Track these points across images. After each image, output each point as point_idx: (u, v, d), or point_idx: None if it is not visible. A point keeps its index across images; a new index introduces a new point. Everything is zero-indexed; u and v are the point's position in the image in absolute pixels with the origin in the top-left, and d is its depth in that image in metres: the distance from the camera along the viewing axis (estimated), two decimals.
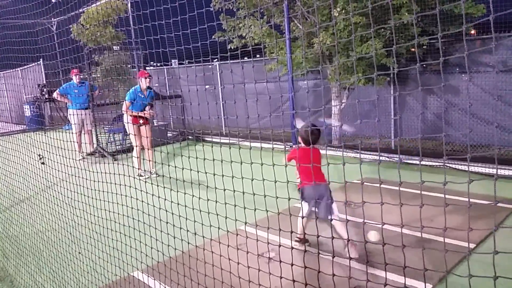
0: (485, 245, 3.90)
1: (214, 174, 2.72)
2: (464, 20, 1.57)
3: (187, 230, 2.93)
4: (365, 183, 4.31)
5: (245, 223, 2.47)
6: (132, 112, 7.03)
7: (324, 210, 3.73)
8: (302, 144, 3.99)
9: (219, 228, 2.68)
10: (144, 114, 7.13)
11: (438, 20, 1.34)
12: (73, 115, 9.25)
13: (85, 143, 9.50)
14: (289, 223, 2.31)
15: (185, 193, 2.99)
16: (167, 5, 3.23)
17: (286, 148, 8.70)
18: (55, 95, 9.55)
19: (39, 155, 4.84)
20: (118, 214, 3.52)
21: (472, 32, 7.74)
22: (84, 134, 9.57)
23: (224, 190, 2.58)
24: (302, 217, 3.77)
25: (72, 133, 9.02)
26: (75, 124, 9.23)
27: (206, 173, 2.75)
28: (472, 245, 3.88)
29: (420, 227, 1.73)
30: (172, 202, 3.07)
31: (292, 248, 2.23)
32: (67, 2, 4.59)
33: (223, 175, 2.65)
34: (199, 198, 2.86)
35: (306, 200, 3.82)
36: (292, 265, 2.13)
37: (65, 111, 12.31)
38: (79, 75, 9.26)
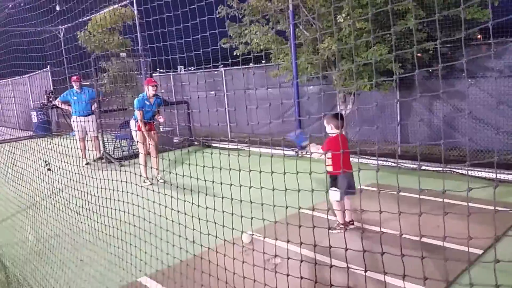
0: (492, 252, 3.86)
1: (214, 182, 2.72)
2: (469, 25, 1.57)
3: (191, 240, 2.94)
4: (369, 189, 4.29)
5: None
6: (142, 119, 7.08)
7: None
8: (334, 131, 4.27)
9: (219, 236, 2.68)
10: (158, 119, 7.23)
11: (438, 27, 1.34)
12: (74, 122, 9.30)
13: (91, 150, 9.45)
14: (293, 230, 2.31)
15: (188, 201, 3.00)
16: (173, 12, 3.25)
17: (290, 154, 8.69)
18: (56, 102, 9.62)
19: (45, 161, 4.88)
20: (123, 222, 3.53)
21: (479, 37, 7.71)
22: (89, 140, 9.54)
23: (226, 197, 2.59)
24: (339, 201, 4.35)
25: (76, 139, 9.08)
26: (77, 131, 9.27)
27: (206, 181, 2.76)
28: (479, 251, 3.84)
29: (424, 234, 1.72)
30: (174, 209, 3.08)
31: (295, 257, 2.23)
32: (74, 9, 4.64)
33: (227, 183, 2.66)
34: (202, 206, 2.86)
35: (338, 187, 4.25)
36: (287, 276, 2.13)
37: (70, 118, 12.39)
38: (79, 82, 9.28)
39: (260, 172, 2.43)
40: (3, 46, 5.95)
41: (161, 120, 7.34)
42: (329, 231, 4.24)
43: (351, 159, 7.42)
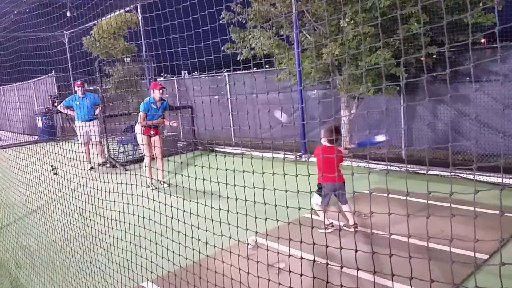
0: (498, 256, 3.84)
1: (221, 183, 2.73)
2: (474, 29, 1.58)
3: (199, 240, 2.94)
4: (374, 193, 4.29)
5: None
6: (146, 122, 7.12)
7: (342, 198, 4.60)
8: (326, 143, 4.54)
9: (224, 240, 2.69)
10: (171, 124, 7.29)
11: (445, 31, 1.35)
12: (77, 126, 9.33)
13: (95, 154, 9.47)
14: (299, 233, 2.31)
15: (196, 203, 3.01)
16: (178, 18, 3.28)
17: (296, 158, 8.70)
18: (59, 107, 9.68)
19: (52, 166, 4.91)
20: (129, 224, 3.54)
21: (483, 41, 7.71)
22: (92, 145, 9.56)
23: (236, 199, 2.59)
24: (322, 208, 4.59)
25: (80, 144, 9.13)
26: (80, 135, 9.30)
27: (210, 182, 2.76)
28: (485, 256, 3.83)
29: (428, 238, 1.72)
30: (184, 211, 3.09)
31: (302, 258, 2.23)
32: (80, 15, 4.68)
33: (233, 185, 2.66)
34: (211, 207, 2.87)
35: (320, 193, 4.52)
36: (301, 275, 2.13)
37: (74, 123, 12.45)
38: (82, 87, 9.31)
39: (273, 174, 2.44)
40: (9, 52, 6.00)
41: (174, 124, 7.38)
42: (319, 231, 4.33)
43: (355, 163, 7.46)
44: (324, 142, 4.57)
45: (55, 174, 4.85)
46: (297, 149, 9.11)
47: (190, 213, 3.02)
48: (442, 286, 3.29)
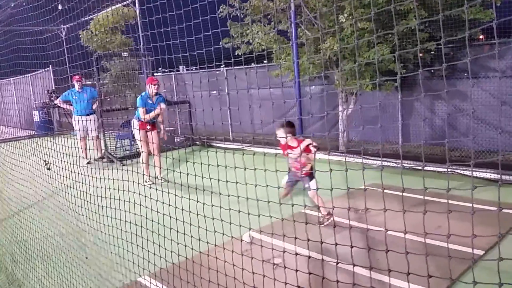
0: (494, 252, 3.85)
1: (216, 179, 2.72)
2: (472, 25, 1.57)
3: (191, 236, 2.93)
4: (371, 189, 4.28)
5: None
6: (144, 117, 7.10)
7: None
8: (290, 136, 4.59)
9: (217, 236, 2.68)
10: (164, 131, 7.45)
11: (442, 27, 1.34)
12: (75, 121, 9.28)
13: (92, 149, 9.41)
14: (295, 229, 2.30)
15: (189, 199, 3.00)
16: (175, 11, 3.25)
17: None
18: (57, 102, 9.62)
19: (45, 161, 4.89)
20: (124, 221, 3.53)
21: (481, 37, 7.70)
22: (90, 140, 9.51)
23: (229, 196, 2.58)
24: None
25: (77, 139, 9.08)
26: (78, 130, 9.25)
27: (211, 179, 2.75)
28: (481, 252, 3.83)
29: (425, 234, 1.72)
30: (177, 208, 3.07)
31: (297, 254, 2.22)
32: (76, 8, 4.63)
33: (227, 182, 2.65)
34: (204, 204, 2.86)
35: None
36: (296, 271, 2.12)
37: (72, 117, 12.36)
38: (81, 81, 9.25)
39: (272, 171, 2.43)
40: (6, 46, 5.96)
41: (165, 138, 7.48)
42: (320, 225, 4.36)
43: (352, 159, 7.47)
44: (290, 138, 4.62)
45: (48, 169, 4.83)
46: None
47: (182, 210, 3.00)
48: (438, 282, 3.30)
